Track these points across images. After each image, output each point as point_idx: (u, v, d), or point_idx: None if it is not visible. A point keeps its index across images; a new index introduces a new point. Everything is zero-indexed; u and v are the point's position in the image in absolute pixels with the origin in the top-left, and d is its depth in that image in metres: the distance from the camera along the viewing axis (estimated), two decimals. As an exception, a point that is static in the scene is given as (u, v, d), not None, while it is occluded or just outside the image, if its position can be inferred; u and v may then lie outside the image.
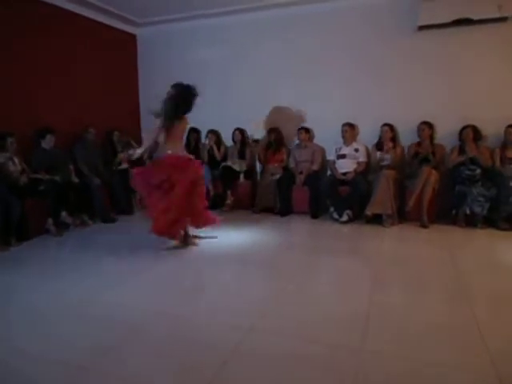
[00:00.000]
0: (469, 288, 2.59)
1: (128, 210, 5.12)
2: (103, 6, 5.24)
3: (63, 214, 4.21)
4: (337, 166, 4.86)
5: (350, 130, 4.91)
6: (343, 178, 4.70)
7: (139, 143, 6.01)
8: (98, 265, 3.19)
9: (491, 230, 4.08)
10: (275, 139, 5.24)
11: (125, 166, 5.45)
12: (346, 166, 4.78)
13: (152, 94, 6.08)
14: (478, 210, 4.12)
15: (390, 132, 4.77)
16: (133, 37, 6.20)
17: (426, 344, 1.90)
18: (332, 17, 5.06)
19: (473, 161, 4.29)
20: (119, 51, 5.96)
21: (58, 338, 2.03)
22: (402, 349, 1.86)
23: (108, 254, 3.46)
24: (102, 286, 2.73)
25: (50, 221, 4.10)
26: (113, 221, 4.69)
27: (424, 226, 4.25)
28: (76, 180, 4.57)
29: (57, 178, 4.31)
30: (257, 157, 5.50)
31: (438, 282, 2.74)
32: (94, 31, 5.44)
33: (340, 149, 4.92)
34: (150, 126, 6.07)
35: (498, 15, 4.33)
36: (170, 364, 1.78)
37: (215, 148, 5.54)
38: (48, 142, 4.42)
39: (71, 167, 4.63)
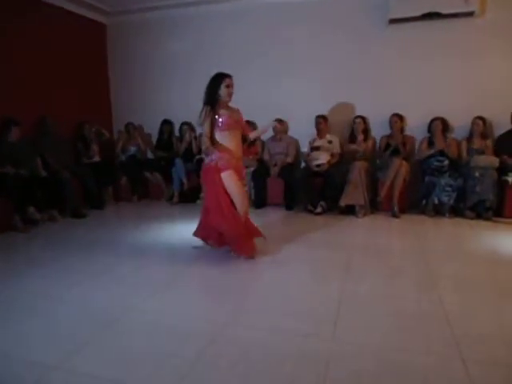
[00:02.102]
0: (437, 275, 2.68)
1: (100, 205, 5.00)
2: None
3: (31, 209, 4.06)
4: (311, 157, 4.90)
5: (323, 122, 4.96)
6: (317, 169, 4.74)
7: (111, 133, 5.94)
8: (65, 262, 3.09)
9: (458, 218, 4.23)
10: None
11: (97, 159, 5.33)
12: (320, 158, 4.83)
13: (124, 86, 6.07)
14: (445, 199, 4.26)
15: (362, 124, 4.84)
16: (102, 26, 6.01)
17: (394, 331, 1.96)
18: (301, 10, 5.05)
19: (442, 153, 4.42)
20: (87, 41, 5.76)
21: (29, 337, 1.97)
22: (372, 336, 1.90)
23: (77, 251, 3.37)
24: (71, 282, 2.66)
25: (17, 217, 3.96)
26: (83, 216, 4.56)
27: (395, 216, 4.35)
28: (44, 174, 4.43)
29: (23, 171, 4.16)
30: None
31: (408, 270, 2.82)
32: (60, 19, 5.23)
33: (314, 141, 4.96)
34: (123, 119, 6.06)
35: (465, 9, 4.44)
36: (145, 355, 1.76)
37: (194, 142, 5.50)
38: (13, 135, 4.25)
39: (38, 160, 4.47)
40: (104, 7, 5.66)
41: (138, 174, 5.54)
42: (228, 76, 3.01)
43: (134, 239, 3.68)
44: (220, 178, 2.96)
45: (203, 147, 2.99)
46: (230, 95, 3.02)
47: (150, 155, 5.91)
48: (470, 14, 4.48)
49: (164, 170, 5.43)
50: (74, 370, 1.68)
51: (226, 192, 2.99)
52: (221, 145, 2.98)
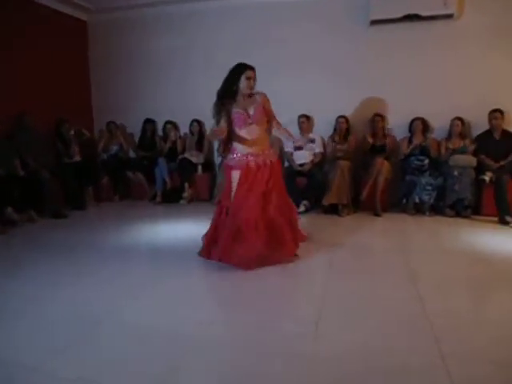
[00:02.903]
0: (418, 273, 2.71)
1: (81, 205, 4.91)
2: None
3: (9, 209, 3.97)
4: (294, 157, 4.92)
5: (306, 122, 4.99)
6: (300, 169, 4.77)
7: (92, 132, 5.84)
8: (47, 264, 3.01)
9: (438, 217, 4.32)
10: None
11: (78, 158, 5.23)
12: (303, 157, 4.85)
13: (105, 85, 5.96)
14: (426, 198, 4.36)
15: (345, 123, 4.90)
16: (83, 23, 5.89)
17: (377, 330, 1.97)
18: (284, 10, 5.07)
19: (422, 149, 4.51)
20: (68, 38, 5.63)
21: (12, 339, 1.93)
22: (354, 336, 1.91)
23: (59, 252, 3.29)
24: (55, 285, 2.61)
25: (-5, 218, 3.87)
26: (64, 216, 4.47)
27: (377, 215, 4.42)
28: (21, 173, 4.32)
29: (0, 171, 4.06)
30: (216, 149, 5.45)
31: (390, 268, 2.85)
32: (40, 16, 5.11)
33: (297, 140, 4.97)
34: (104, 117, 5.96)
35: (444, 12, 4.53)
36: (130, 356, 1.74)
37: (179, 142, 5.46)
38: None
39: (17, 160, 4.36)
40: (85, 4, 5.56)
41: (120, 173, 5.47)
42: (250, 68, 2.84)
43: (118, 240, 3.62)
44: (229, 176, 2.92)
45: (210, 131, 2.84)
46: (250, 88, 2.85)
47: (132, 154, 5.83)
48: (450, 17, 4.58)
49: (146, 170, 5.37)
50: (54, 373, 1.64)
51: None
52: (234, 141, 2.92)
